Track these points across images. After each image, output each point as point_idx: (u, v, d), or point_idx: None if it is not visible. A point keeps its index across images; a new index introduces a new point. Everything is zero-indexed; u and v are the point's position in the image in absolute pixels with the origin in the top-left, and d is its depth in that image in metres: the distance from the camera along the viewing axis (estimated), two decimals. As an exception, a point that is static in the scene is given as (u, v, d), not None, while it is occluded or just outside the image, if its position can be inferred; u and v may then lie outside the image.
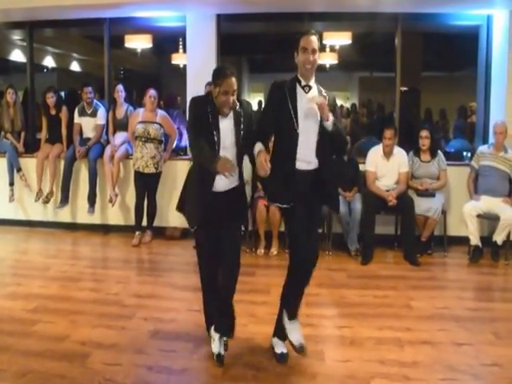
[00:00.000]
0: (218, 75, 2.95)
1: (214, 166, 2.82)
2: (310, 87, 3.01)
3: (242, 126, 3.03)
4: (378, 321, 3.74)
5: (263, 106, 3.22)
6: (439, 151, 5.77)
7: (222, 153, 2.95)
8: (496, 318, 3.89)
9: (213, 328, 3.12)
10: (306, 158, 2.97)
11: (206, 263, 3.23)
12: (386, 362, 3.11)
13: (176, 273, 4.83)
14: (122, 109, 6.16)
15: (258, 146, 2.93)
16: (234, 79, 2.93)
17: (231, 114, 3.02)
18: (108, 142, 6.21)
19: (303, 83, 3.00)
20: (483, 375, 3.04)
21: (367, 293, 4.35)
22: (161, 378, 2.85)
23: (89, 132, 6.24)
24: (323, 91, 3.08)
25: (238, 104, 3.05)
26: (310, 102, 2.92)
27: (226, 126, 3.01)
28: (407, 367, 3.07)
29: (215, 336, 3.06)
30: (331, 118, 2.96)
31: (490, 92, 6.12)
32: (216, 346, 3.04)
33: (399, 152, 5.62)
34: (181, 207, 3.30)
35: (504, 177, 5.48)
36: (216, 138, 2.95)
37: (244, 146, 3.05)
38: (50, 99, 6.25)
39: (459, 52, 7.71)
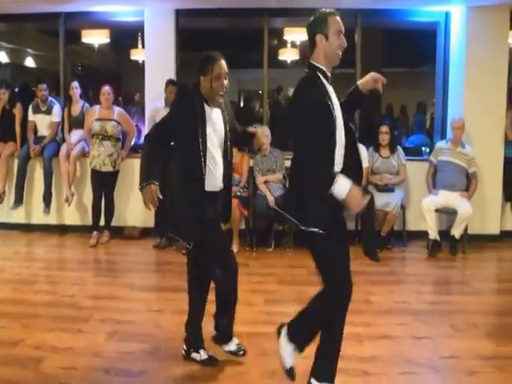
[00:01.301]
0: (207, 61, 2.79)
1: (141, 184, 2.74)
2: (329, 78, 2.59)
3: (226, 117, 2.90)
4: (339, 316, 3.74)
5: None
6: (398, 147, 5.86)
7: (210, 148, 2.77)
8: (454, 311, 3.96)
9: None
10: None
11: (213, 265, 3.05)
12: (345, 358, 3.07)
13: (135, 273, 4.74)
14: (78, 106, 6.00)
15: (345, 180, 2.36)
16: (224, 62, 2.80)
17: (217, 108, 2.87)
18: (64, 139, 6.05)
19: (328, 73, 2.57)
20: (441, 367, 3.08)
21: (328, 289, 4.35)
22: (118, 381, 2.78)
23: (43, 130, 6.06)
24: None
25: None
26: None
27: (217, 117, 2.85)
28: (366, 362, 3.08)
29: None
30: None
31: (448, 88, 6.25)
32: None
33: (360, 148, 5.66)
34: (171, 227, 3.06)
35: (461, 172, 5.60)
36: (201, 137, 2.74)
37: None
38: (3, 96, 6.03)
39: (419, 48, 7.83)
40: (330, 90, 2.50)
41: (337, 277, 2.62)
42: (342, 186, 2.32)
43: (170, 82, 5.71)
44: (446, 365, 3.11)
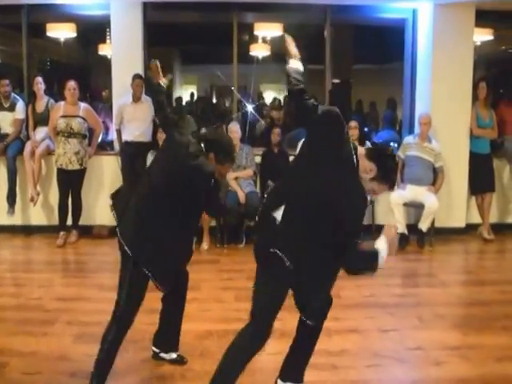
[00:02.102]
0: None
1: None
2: None
3: None
4: (308, 312, 3.77)
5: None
6: (367, 142, 5.92)
7: None
8: (421, 303, 4.04)
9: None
10: None
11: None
12: (314, 352, 3.11)
13: (103, 273, 4.65)
14: (43, 102, 5.86)
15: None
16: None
17: None
18: (28, 137, 5.89)
19: None
20: (407, 359, 3.14)
21: (298, 284, 4.38)
22: None
23: (7, 127, 5.88)
24: None
25: None
26: None
27: None
28: (335, 356, 3.12)
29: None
30: None
31: (416, 84, 6.34)
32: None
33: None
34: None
35: (428, 166, 5.69)
36: None
37: None
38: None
39: (389, 45, 7.92)
40: None
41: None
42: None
43: (136, 76, 5.65)
44: (413, 356, 3.17)
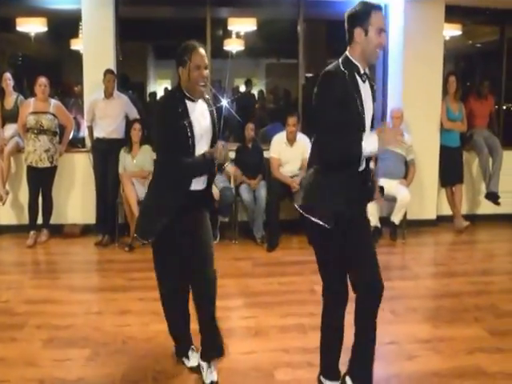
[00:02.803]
0: (185, 50, 2.57)
1: (209, 160, 2.58)
2: (367, 75, 2.40)
3: (213, 117, 2.71)
4: (283, 308, 3.76)
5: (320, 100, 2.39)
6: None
7: (197, 147, 2.58)
8: (394, 297, 4.05)
9: (199, 357, 2.81)
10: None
11: (175, 281, 2.82)
12: (289, 350, 3.13)
13: (75, 273, 4.57)
14: (11, 98, 5.72)
15: None
16: (203, 51, 2.57)
17: (202, 103, 2.66)
18: (-4, 135, 5.73)
19: (361, 70, 2.37)
20: (382, 354, 3.13)
21: (272, 280, 4.38)
22: None
23: (-27, 125, 5.73)
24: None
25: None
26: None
27: (201, 112, 2.64)
28: (310, 353, 3.08)
29: (203, 365, 2.74)
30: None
31: (388, 79, 6.37)
32: (207, 377, 2.70)
33: (302, 138, 5.70)
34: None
35: (401, 160, 5.74)
36: (190, 136, 2.55)
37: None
38: None
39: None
40: (362, 86, 2.35)
41: (325, 281, 2.57)
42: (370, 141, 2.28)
43: (107, 72, 5.54)
44: (386, 351, 3.18)
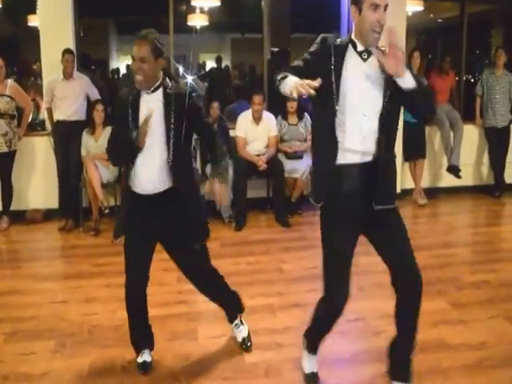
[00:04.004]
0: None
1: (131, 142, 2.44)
2: (369, 53, 2.19)
3: (172, 112, 2.46)
4: (251, 289, 3.77)
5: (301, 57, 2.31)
6: (306, 113, 5.91)
7: (146, 147, 2.45)
8: (360, 272, 4.06)
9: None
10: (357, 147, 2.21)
11: (129, 284, 2.73)
12: (258, 332, 3.14)
13: (38, 261, 4.46)
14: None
15: (292, 79, 2.14)
16: (143, 42, 2.41)
17: (160, 96, 2.49)
18: None
19: (360, 48, 2.19)
20: (349, 331, 3.19)
21: (240, 260, 4.38)
22: None
23: None
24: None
25: (168, 84, 2.51)
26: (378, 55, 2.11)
27: (152, 106, 2.47)
28: (279, 334, 3.14)
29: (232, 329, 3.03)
30: (407, 72, 2.11)
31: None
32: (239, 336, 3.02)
33: (268, 116, 5.67)
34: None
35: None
36: (132, 125, 2.45)
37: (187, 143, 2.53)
38: None
39: (326, 14, 7.89)
40: (352, 62, 2.18)
41: (325, 272, 2.44)
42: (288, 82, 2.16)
43: (65, 51, 5.34)
44: (353, 327, 3.24)
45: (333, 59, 2.17)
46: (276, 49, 7.84)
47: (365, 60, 2.19)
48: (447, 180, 6.48)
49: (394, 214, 2.35)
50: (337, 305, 2.41)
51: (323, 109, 2.22)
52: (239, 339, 2.98)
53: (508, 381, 2.65)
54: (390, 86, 2.14)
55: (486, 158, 6.68)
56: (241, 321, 3.04)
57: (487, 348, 2.94)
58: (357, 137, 2.18)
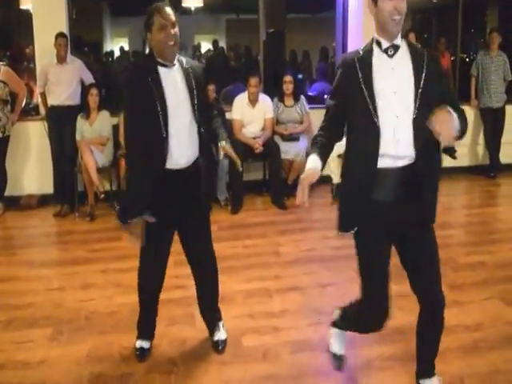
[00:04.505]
0: (149, 14, 2.37)
1: (130, 218, 2.36)
2: (396, 48, 2.05)
3: (193, 84, 2.42)
4: (248, 272, 3.78)
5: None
6: (302, 96, 5.88)
7: (171, 122, 2.34)
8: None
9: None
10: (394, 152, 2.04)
11: (149, 272, 2.62)
12: (255, 316, 3.16)
13: (33, 248, 4.44)
14: (-45, 65, 5.40)
15: (312, 161, 2.11)
16: (168, 9, 2.36)
17: (178, 67, 2.42)
18: None
19: (385, 45, 2.06)
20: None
21: (237, 244, 4.37)
22: (16, 376, 2.56)
23: None
24: (421, 49, 2.14)
25: (181, 58, 2.46)
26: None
27: (174, 79, 2.40)
28: (276, 317, 3.14)
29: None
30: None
31: (348, 34, 6.28)
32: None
33: (264, 99, 5.63)
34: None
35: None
36: (160, 105, 2.32)
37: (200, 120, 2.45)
38: None
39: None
40: (381, 62, 2.05)
41: (364, 285, 2.34)
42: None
43: (58, 35, 5.26)
44: (350, 310, 3.24)
45: (360, 74, 2.04)
46: (272, 30, 7.76)
47: (391, 56, 2.05)
48: (443, 161, 6.45)
49: (428, 233, 2.19)
50: (377, 320, 2.32)
51: (364, 125, 2.05)
52: (214, 338, 2.82)
53: (503, 362, 2.66)
54: (421, 84, 2.01)
55: (481, 139, 6.66)
56: (220, 326, 2.88)
57: (483, 329, 2.95)
58: (391, 140, 2.02)
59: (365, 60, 2.06)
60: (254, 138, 5.49)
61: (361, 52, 2.11)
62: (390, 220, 2.12)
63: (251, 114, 5.56)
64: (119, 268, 3.80)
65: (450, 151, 6.18)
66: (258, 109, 5.57)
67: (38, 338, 2.91)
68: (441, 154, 2.24)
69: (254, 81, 5.47)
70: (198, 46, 11.84)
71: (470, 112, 6.53)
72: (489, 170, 6.45)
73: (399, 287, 3.48)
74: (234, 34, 11.78)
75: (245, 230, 4.73)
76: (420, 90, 2.00)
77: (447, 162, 6.31)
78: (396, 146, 2.02)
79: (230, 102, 5.73)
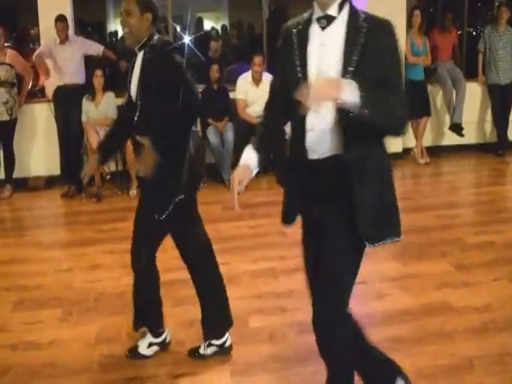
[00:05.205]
0: None
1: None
2: (329, 19, 1.72)
3: (145, 77, 2.32)
4: (254, 253, 3.79)
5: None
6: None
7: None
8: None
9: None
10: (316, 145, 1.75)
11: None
12: (262, 296, 3.18)
13: (42, 229, 4.48)
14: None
15: (246, 154, 1.86)
16: None
17: (141, 56, 2.36)
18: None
19: (317, 13, 1.73)
20: (352, 294, 3.17)
21: (242, 224, 4.38)
22: (27, 357, 2.61)
23: None
24: (364, 21, 1.71)
25: (154, 45, 2.34)
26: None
27: (138, 65, 2.37)
28: (282, 298, 3.16)
29: None
30: (348, 96, 1.56)
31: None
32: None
33: (268, 78, 5.53)
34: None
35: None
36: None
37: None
38: None
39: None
40: (314, 35, 1.74)
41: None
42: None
43: (57, 19, 5.22)
44: (357, 291, 3.14)
45: (295, 47, 1.75)
46: (275, 6, 7.65)
47: (323, 28, 1.72)
48: (450, 138, 6.42)
49: (340, 241, 1.82)
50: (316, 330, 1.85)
51: (295, 111, 1.74)
52: (201, 345, 2.59)
53: (512, 343, 2.66)
54: (352, 66, 1.66)
55: (489, 116, 6.58)
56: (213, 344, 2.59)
57: (492, 311, 2.94)
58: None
59: (302, 32, 1.76)
60: (258, 118, 5.45)
61: (302, 20, 1.80)
62: (312, 215, 1.91)
63: (255, 93, 5.52)
64: (126, 249, 3.73)
65: (458, 128, 6.14)
66: (261, 88, 5.52)
67: (47, 318, 2.95)
68: (385, 145, 1.81)
69: (258, 60, 5.42)
70: (200, 23, 11.68)
71: (477, 89, 6.47)
72: (497, 147, 6.40)
73: (406, 268, 3.52)
74: (237, 11, 11.61)
75: (250, 210, 4.72)
76: (348, 74, 1.65)
77: (454, 139, 6.29)
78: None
79: (234, 82, 5.69)
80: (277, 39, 1.93)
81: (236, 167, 1.89)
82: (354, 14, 1.72)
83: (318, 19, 1.73)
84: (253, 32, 9.39)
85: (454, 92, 6.18)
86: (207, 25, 11.58)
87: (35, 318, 2.91)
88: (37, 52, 5.51)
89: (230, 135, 5.43)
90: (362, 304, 3.11)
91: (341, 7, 1.71)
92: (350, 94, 1.56)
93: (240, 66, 6.39)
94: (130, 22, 2.29)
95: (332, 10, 1.71)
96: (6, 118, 5.21)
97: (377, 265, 3.57)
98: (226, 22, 11.68)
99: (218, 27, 10.61)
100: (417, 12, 5.88)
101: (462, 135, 6.18)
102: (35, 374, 2.49)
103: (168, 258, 3.70)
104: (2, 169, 5.38)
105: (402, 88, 1.79)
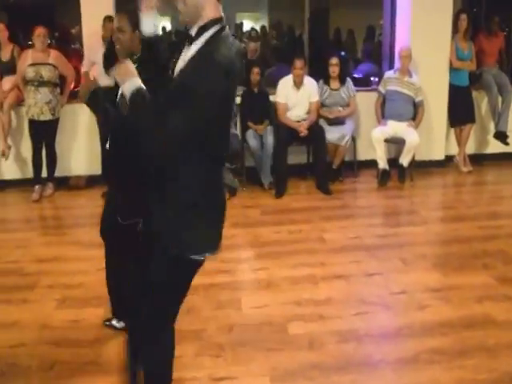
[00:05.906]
0: None
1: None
2: (190, 38, 1.74)
3: None
4: (293, 258, 3.77)
5: None
6: (348, 78, 5.77)
7: None
8: (403, 243, 4.06)
9: None
10: None
11: None
12: (301, 303, 3.15)
13: (82, 228, 4.53)
14: (8, 50, 5.52)
15: None
16: (122, 14, 2.48)
17: None
18: (-6, 88, 5.56)
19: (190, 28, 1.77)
20: (392, 304, 3.17)
21: (281, 229, 4.36)
22: (71, 354, 2.65)
23: (-31, 78, 5.56)
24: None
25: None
26: None
27: None
28: (322, 305, 3.13)
29: None
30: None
31: (396, 17, 6.10)
32: None
33: (309, 81, 5.55)
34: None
35: (409, 101, 5.60)
36: None
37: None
38: None
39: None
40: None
41: None
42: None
43: (106, 19, 5.25)
44: (397, 301, 3.21)
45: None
46: (316, 7, 7.60)
47: (188, 45, 1.74)
48: (494, 146, 6.24)
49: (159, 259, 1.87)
50: None
51: None
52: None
53: (557, 360, 2.58)
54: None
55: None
56: None
57: (536, 326, 2.86)
58: None
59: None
60: (299, 122, 5.44)
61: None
62: None
63: (296, 97, 5.49)
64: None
65: (502, 136, 5.97)
66: (302, 92, 5.50)
67: (90, 317, 2.99)
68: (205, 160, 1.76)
69: (299, 63, 5.39)
70: (240, 25, 11.71)
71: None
72: (543, 156, 6.20)
73: (447, 279, 3.45)
74: (277, 11, 11.57)
75: (289, 215, 4.71)
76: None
77: (498, 147, 6.11)
78: None
79: (274, 84, 5.68)
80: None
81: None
82: (213, 38, 1.70)
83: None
84: (292, 33, 9.34)
85: (500, 98, 6.01)
86: (246, 25, 11.61)
87: (78, 316, 2.95)
88: (84, 69, 5.53)
89: (269, 139, 5.42)
90: (402, 314, 3.06)
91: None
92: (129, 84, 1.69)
93: (280, 68, 6.37)
94: (121, 39, 2.42)
95: (192, 30, 1.74)
96: (48, 117, 5.30)
97: (417, 275, 3.53)
98: (265, 22, 11.65)
99: (258, 28, 10.59)
100: (463, 16, 5.75)
101: (506, 143, 6.01)
102: (78, 371, 2.53)
103: (209, 260, 3.76)
104: (45, 167, 5.48)
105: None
